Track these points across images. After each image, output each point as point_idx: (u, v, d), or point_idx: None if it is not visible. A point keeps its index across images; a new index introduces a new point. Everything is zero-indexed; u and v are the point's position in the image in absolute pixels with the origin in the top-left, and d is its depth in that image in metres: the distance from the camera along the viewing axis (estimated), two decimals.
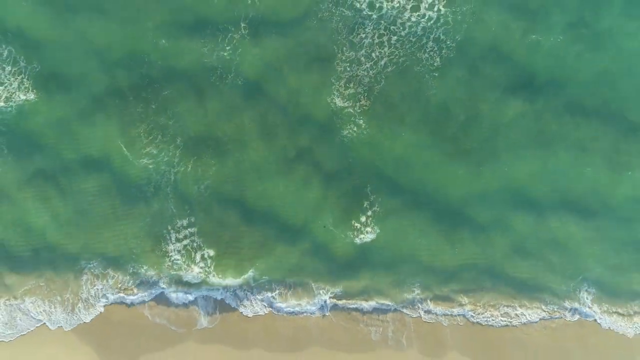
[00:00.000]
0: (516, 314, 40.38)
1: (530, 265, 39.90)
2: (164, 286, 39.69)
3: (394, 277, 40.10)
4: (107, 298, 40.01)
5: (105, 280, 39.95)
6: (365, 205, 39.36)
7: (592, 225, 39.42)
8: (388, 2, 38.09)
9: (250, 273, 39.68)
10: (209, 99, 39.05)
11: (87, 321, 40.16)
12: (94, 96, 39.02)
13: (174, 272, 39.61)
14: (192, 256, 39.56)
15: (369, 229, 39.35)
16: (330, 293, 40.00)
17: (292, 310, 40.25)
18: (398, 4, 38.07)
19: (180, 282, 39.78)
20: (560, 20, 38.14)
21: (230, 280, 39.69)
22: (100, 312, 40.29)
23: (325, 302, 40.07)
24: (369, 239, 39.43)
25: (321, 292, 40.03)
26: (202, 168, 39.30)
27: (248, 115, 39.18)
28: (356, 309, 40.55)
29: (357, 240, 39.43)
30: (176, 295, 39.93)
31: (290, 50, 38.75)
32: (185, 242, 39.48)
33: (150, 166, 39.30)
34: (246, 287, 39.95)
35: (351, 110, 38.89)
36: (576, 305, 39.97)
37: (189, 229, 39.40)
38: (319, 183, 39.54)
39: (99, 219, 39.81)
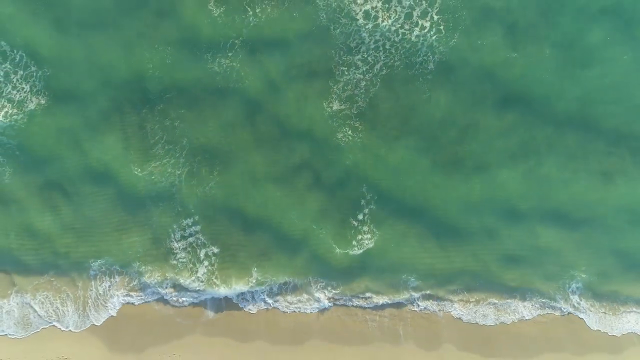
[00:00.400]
0: (507, 311, 41.21)
1: (521, 269, 40.67)
2: (167, 291, 40.23)
3: (391, 279, 40.76)
4: (116, 297, 40.42)
5: (112, 278, 40.50)
6: (362, 203, 39.89)
7: (579, 233, 40.23)
8: (384, 11, 38.65)
9: (254, 273, 40.16)
10: (211, 102, 39.70)
11: (98, 324, 40.59)
12: (102, 99, 39.55)
13: (178, 276, 40.01)
14: (197, 253, 40.03)
15: (366, 227, 39.89)
16: (329, 292, 40.59)
17: (293, 309, 40.98)
18: (394, 13, 38.64)
19: (183, 288, 40.31)
20: (550, 33, 38.87)
21: (234, 287, 40.10)
22: (111, 315, 40.83)
23: (325, 301, 40.78)
24: (367, 241, 39.94)
25: (320, 288, 40.63)
26: (207, 168, 39.79)
27: (247, 117, 39.81)
28: (355, 305, 41.16)
29: (355, 242, 39.92)
30: (181, 299, 40.63)
31: (290, 55, 39.27)
32: (190, 239, 39.94)
33: (157, 167, 39.79)
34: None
35: (348, 112, 39.39)
36: (563, 305, 40.88)
37: (193, 227, 39.91)
38: (316, 185, 40.11)
39: (105, 219, 40.35)
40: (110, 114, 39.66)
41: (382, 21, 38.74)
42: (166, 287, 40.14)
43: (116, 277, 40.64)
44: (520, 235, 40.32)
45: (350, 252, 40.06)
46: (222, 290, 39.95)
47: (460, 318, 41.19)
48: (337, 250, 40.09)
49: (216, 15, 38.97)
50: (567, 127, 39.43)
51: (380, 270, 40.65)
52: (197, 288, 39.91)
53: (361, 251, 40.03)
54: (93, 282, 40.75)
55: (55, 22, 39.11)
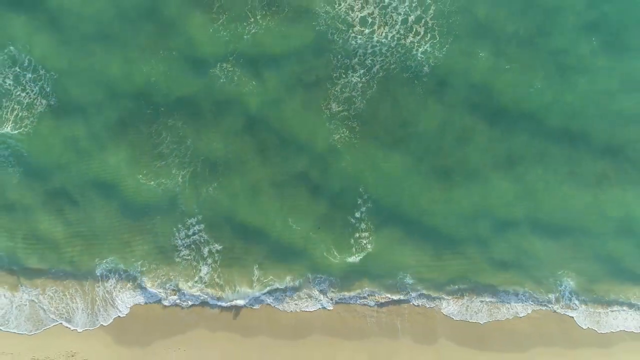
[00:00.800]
0: (500, 309, 41.87)
1: (513, 271, 41.53)
2: (168, 291, 40.42)
3: (387, 278, 41.29)
4: (123, 298, 40.53)
5: (118, 278, 40.71)
6: (359, 202, 40.55)
7: (570, 238, 41.29)
8: (380, 17, 39.56)
9: (255, 271, 40.59)
10: (213, 104, 40.36)
11: (106, 324, 40.61)
12: (107, 101, 40.07)
13: (181, 279, 40.30)
14: (200, 250, 40.37)
15: (363, 224, 40.45)
16: (330, 294, 41.11)
17: (293, 307, 41.41)
18: (390, 19, 39.55)
19: (186, 296, 40.59)
20: (540, 41, 40.08)
21: (237, 290, 40.50)
22: (119, 316, 40.87)
23: (326, 302, 41.32)
24: (365, 240, 40.52)
25: (318, 284, 41.16)
26: (210, 168, 40.27)
27: (248, 119, 40.44)
28: (354, 302, 41.72)
29: (352, 240, 40.45)
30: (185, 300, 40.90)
31: (289, 60, 40.15)
32: (194, 237, 40.28)
33: (162, 167, 40.26)
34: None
35: (346, 113, 40.10)
36: (554, 305, 41.69)
37: (197, 227, 40.34)
38: (314, 184, 40.79)
39: (110, 219, 40.56)
40: (115, 117, 40.16)
41: (378, 27, 39.73)
42: (169, 289, 40.47)
43: (122, 277, 40.85)
44: (514, 240, 41.29)
45: (348, 259, 40.81)
46: (227, 295, 40.48)
47: (450, 316, 41.83)
48: (335, 252, 40.72)
49: (219, 22, 39.86)
50: (558, 136, 40.64)
51: (377, 270, 41.25)
52: (200, 294, 40.41)
53: (360, 256, 40.71)
54: (100, 283, 40.92)
55: (62, 30, 39.99)
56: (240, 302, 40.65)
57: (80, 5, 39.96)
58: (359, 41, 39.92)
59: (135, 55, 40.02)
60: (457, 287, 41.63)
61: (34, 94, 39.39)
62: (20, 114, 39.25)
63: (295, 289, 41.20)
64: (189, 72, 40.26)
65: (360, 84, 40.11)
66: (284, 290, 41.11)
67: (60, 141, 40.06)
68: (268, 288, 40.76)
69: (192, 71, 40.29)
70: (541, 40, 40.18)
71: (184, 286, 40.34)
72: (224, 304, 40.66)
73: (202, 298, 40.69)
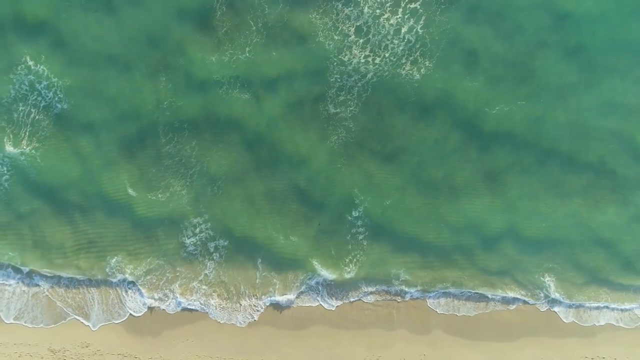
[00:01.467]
0: (489, 306, 43.74)
1: (499, 278, 43.29)
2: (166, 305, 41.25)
3: (382, 278, 42.70)
4: (134, 298, 41.13)
5: (125, 277, 41.25)
6: (356, 201, 41.81)
7: (551, 248, 43.31)
8: (374, 27, 40.65)
9: (259, 266, 41.57)
10: (215, 107, 41.05)
11: (117, 322, 41.01)
12: (113, 108, 40.57)
13: (185, 285, 40.96)
14: (207, 246, 41.13)
15: (360, 222, 41.68)
16: (330, 299, 42.40)
17: (295, 305, 42.47)
18: (383, 28, 40.63)
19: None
20: (528, 62, 41.48)
21: (242, 290, 41.43)
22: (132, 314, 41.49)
23: (328, 304, 42.54)
24: (361, 236, 41.59)
25: (318, 285, 42.41)
26: (214, 168, 41.04)
27: (249, 121, 41.25)
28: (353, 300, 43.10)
29: (350, 237, 41.51)
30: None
31: (288, 66, 41.08)
32: (200, 235, 41.00)
33: (168, 167, 40.93)
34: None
35: (343, 115, 41.17)
36: (540, 304, 43.68)
37: (203, 225, 41.08)
38: (312, 185, 41.85)
39: (115, 220, 41.04)
40: (121, 123, 40.79)
41: (373, 36, 40.98)
42: (171, 299, 41.21)
43: (129, 279, 41.36)
44: (501, 248, 43.17)
45: (346, 275, 42.11)
46: (232, 296, 41.43)
47: (435, 309, 43.36)
48: (333, 253, 41.93)
49: (222, 31, 40.72)
50: (541, 152, 42.49)
51: (373, 273, 42.63)
52: (203, 303, 41.14)
53: (356, 265, 41.99)
54: (110, 284, 41.53)
55: (72, 47, 40.47)
56: (245, 320, 41.67)
57: (89, 26, 40.65)
58: (354, 50, 41.10)
59: (142, 65, 40.77)
60: (446, 290, 43.22)
61: (49, 99, 40.09)
62: (37, 117, 39.94)
63: (297, 294, 42.24)
64: (191, 76, 40.99)
65: (356, 88, 41.22)
66: (285, 301, 42.22)
67: (71, 147, 40.52)
68: (269, 299, 41.75)
69: (196, 78, 41.01)
70: (526, 59, 41.66)
71: (186, 291, 41.03)
72: (233, 322, 41.63)
73: (204, 310, 41.58)
